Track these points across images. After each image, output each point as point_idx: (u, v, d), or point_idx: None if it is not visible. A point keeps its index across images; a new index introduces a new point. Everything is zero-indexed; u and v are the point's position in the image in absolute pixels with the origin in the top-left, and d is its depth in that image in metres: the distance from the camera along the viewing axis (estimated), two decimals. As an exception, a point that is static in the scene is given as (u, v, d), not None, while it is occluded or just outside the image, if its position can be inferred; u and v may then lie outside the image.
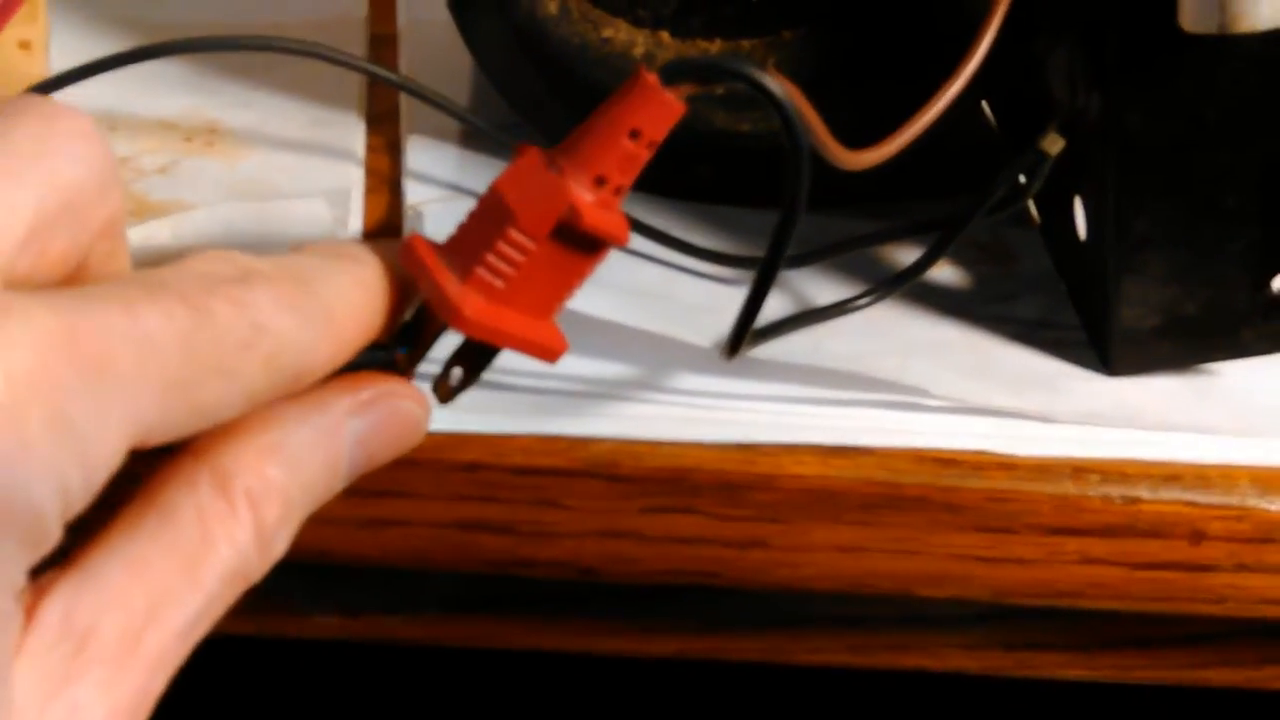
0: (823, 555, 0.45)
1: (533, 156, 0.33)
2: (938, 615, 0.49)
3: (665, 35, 0.53)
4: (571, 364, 0.46)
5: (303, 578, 0.48)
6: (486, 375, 0.45)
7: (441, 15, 0.52)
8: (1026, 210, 0.52)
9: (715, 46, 0.53)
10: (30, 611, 0.27)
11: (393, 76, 0.52)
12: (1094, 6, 0.44)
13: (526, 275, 0.33)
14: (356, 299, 0.32)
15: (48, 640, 0.27)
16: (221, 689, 0.82)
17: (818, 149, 0.40)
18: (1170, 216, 0.45)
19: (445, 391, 0.36)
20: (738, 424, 0.45)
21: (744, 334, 0.43)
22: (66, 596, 0.28)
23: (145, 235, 0.49)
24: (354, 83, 0.55)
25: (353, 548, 0.45)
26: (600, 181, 0.33)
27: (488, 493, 0.45)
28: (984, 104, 0.54)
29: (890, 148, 0.44)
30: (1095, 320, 0.49)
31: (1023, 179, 0.48)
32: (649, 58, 0.52)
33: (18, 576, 0.27)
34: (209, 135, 0.54)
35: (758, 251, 0.50)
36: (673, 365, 0.46)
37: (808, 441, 0.45)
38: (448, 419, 0.45)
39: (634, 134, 0.33)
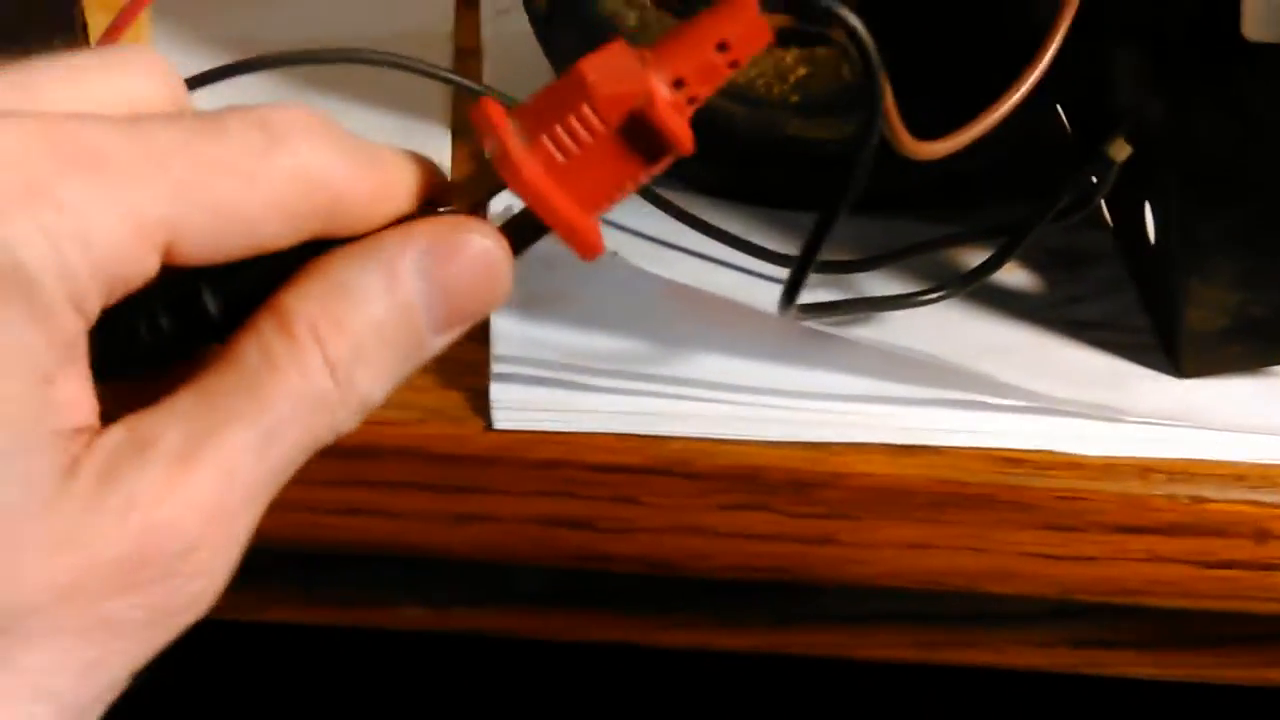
0: (891, 552, 0.46)
1: (620, 45, 0.33)
2: (1005, 612, 0.50)
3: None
4: (648, 364, 0.47)
5: (392, 570, 0.50)
6: (567, 376, 0.47)
7: (524, 28, 0.53)
8: (1100, 214, 0.52)
9: (790, 54, 0.53)
10: (98, 432, 0.28)
11: (477, 86, 0.53)
12: (1158, 14, 0.45)
13: (587, 158, 0.32)
14: (408, 157, 0.32)
15: (109, 445, 0.28)
16: (316, 678, 0.84)
17: (887, 132, 0.41)
18: (1236, 222, 0.46)
19: None
20: (808, 423, 0.46)
21: (801, 278, 0.44)
22: (132, 419, 0.28)
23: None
24: (440, 94, 0.56)
25: (439, 540, 0.47)
26: (679, 84, 0.33)
27: (567, 489, 0.46)
28: (1059, 109, 0.55)
29: (957, 141, 0.44)
30: (1164, 323, 0.49)
31: (1095, 182, 0.48)
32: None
33: (37, 355, 0.27)
34: (300, 145, 0.55)
35: (831, 258, 0.51)
36: (746, 364, 0.47)
37: (876, 441, 0.46)
38: (529, 419, 0.46)
39: (721, 46, 0.33)
